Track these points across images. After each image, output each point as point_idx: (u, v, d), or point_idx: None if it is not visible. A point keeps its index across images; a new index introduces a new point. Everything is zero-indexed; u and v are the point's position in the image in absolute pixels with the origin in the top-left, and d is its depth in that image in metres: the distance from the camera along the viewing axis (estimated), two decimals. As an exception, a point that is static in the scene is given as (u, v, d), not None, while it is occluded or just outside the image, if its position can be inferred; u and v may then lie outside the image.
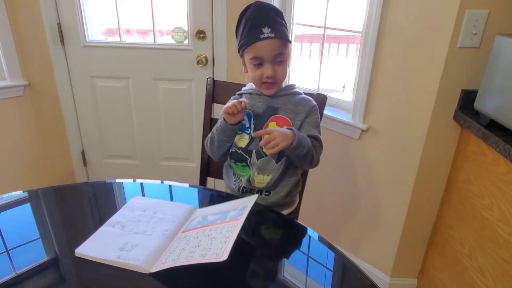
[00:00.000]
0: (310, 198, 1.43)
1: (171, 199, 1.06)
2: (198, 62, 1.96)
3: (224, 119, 1.07)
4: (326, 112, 1.36)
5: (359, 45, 1.54)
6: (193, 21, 1.90)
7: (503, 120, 1.13)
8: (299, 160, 1.04)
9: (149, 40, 2.03)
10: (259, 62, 1.04)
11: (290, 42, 1.06)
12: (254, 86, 1.12)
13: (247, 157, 1.09)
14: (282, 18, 1.05)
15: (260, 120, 1.09)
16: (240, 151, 1.10)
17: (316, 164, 1.10)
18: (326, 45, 1.75)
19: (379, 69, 1.47)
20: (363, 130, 1.58)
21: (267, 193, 1.12)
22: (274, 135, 0.96)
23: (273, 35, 0.99)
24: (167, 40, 1.99)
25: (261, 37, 0.99)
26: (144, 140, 2.19)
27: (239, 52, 1.09)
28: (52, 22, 1.89)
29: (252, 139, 1.09)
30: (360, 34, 1.51)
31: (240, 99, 1.04)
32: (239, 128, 1.10)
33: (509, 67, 1.11)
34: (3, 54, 1.86)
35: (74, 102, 2.09)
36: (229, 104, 1.03)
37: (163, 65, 2.00)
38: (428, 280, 1.61)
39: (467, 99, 1.33)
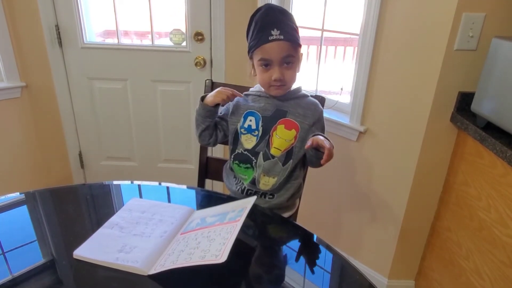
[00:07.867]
0: (308, 200, 1.43)
1: (169, 201, 1.06)
2: (196, 64, 1.96)
3: (202, 99, 1.08)
4: (324, 114, 1.36)
5: (356, 48, 1.54)
6: (191, 23, 1.90)
7: (500, 122, 1.14)
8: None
9: (147, 42, 2.03)
10: (266, 64, 1.03)
11: (299, 45, 1.05)
12: (262, 88, 1.11)
13: (253, 158, 1.09)
14: (292, 21, 1.04)
15: (268, 122, 1.08)
16: (246, 152, 1.10)
17: None
18: (323, 47, 1.75)
19: (376, 71, 1.48)
20: (360, 132, 1.59)
21: (270, 196, 1.12)
22: (330, 148, 0.92)
23: (282, 37, 0.98)
24: (165, 42, 1.99)
25: (269, 39, 0.99)
26: (142, 142, 2.18)
27: (248, 55, 1.08)
28: (50, 23, 1.88)
29: (259, 141, 1.08)
30: (357, 37, 1.52)
31: (233, 91, 1.06)
32: (213, 111, 1.09)
33: (506, 69, 1.12)
34: (0, 55, 1.86)
35: (71, 103, 2.08)
36: (227, 91, 1.05)
37: (161, 67, 2.00)
38: (426, 282, 1.61)
39: (464, 101, 1.33)
